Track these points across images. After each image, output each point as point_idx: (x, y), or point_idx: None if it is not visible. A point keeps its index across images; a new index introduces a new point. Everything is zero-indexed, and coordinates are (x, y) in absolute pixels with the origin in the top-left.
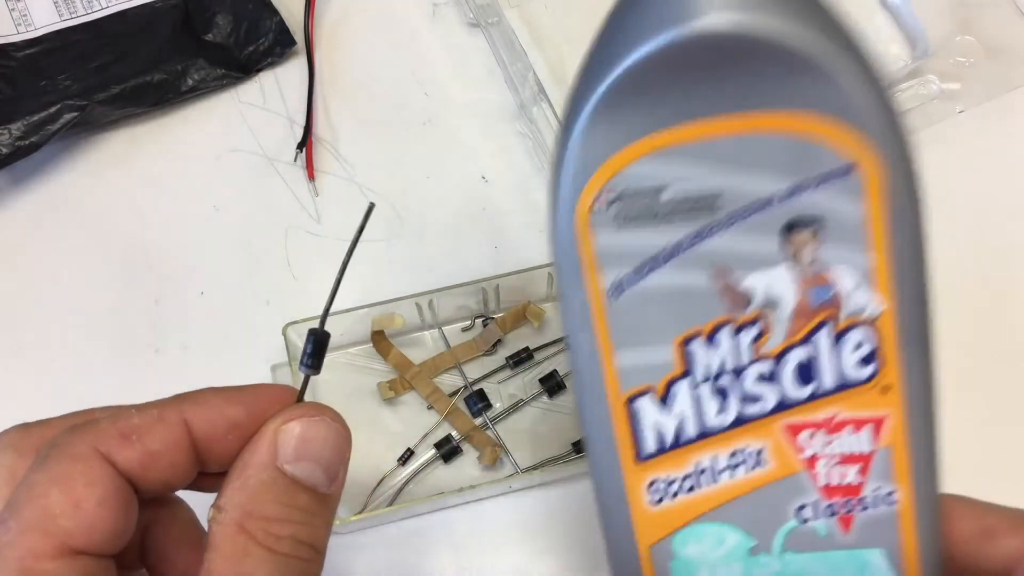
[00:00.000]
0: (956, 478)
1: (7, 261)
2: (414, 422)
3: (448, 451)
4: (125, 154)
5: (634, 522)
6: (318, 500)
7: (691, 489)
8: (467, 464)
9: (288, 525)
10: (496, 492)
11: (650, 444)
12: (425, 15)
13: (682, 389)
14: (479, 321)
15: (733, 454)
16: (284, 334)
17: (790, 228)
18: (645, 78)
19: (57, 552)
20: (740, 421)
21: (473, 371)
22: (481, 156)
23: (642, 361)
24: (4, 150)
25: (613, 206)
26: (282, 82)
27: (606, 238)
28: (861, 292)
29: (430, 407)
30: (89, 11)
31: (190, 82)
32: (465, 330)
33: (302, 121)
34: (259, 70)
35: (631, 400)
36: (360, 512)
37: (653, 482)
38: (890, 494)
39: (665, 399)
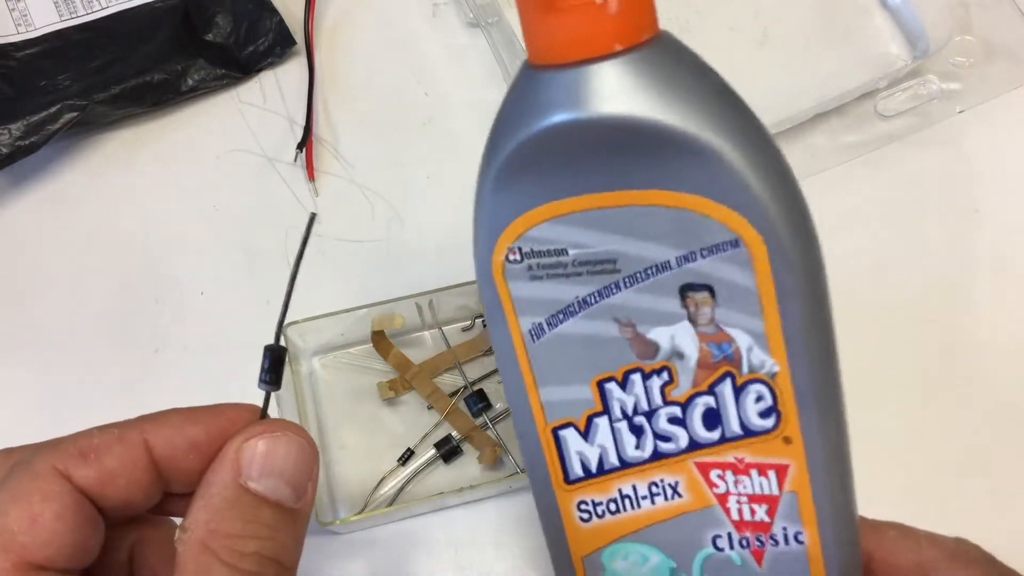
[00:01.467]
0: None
1: (7, 261)
2: (414, 422)
3: (448, 451)
4: (125, 154)
5: (568, 536)
6: (285, 516)
7: (615, 512)
8: (467, 464)
9: (253, 541)
10: (496, 492)
11: (576, 469)
12: (425, 15)
13: (602, 424)
14: (479, 321)
15: (652, 484)
16: (284, 334)
17: (686, 290)
18: (540, 153)
19: (15, 568)
20: (656, 456)
21: (473, 371)
22: (481, 156)
23: (564, 397)
24: (4, 150)
25: (523, 262)
26: (282, 82)
27: (519, 289)
28: (757, 352)
29: (430, 407)
30: (89, 11)
31: (190, 82)
32: (465, 330)
33: (302, 121)
34: (259, 70)
35: (556, 430)
36: (360, 512)
37: (581, 502)
38: (798, 535)
39: (587, 432)
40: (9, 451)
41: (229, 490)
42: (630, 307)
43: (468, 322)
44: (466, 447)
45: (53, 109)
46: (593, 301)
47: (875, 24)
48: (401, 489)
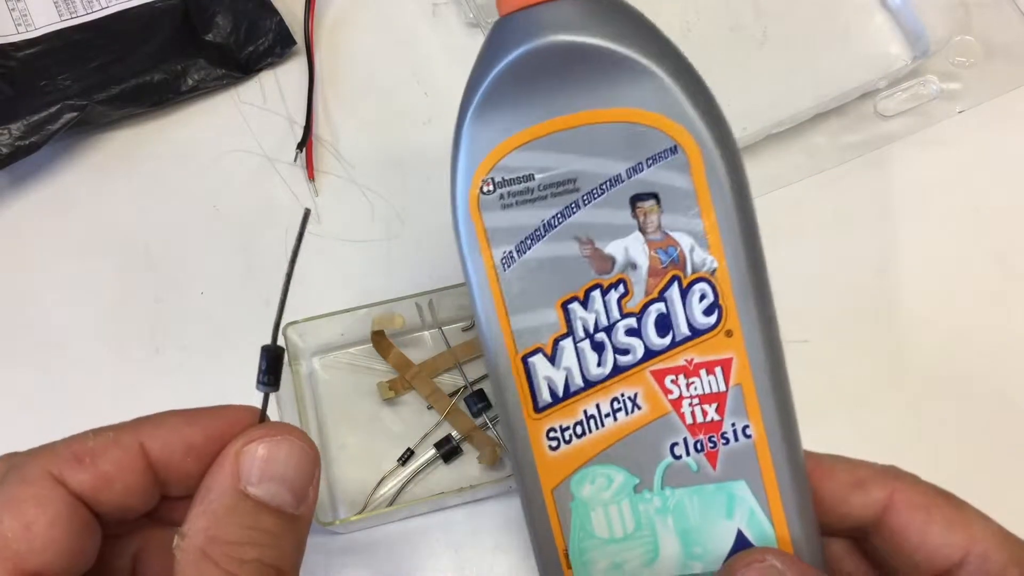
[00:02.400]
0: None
1: (7, 261)
2: (414, 422)
3: (448, 451)
4: (125, 154)
5: (538, 468)
6: (285, 522)
7: (582, 435)
8: (467, 464)
9: (253, 548)
10: (496, 492)
11: (545, 396)
12: (425, 15)
13: (567, 346)
14: None
15: (613, 400)
16: (284, 334)
17: (636, 200)
18: (509, 85)
19: (11, 575)
20: (616, 371)
21: (473, 371)
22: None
23: (532, 323)
24: (4, 150)
25: (495, 192)
26: (282, 82)
27: (492, 219)
28: (698, 251)
29: (430, 407)
30: (89, 11)
31: (190, 82)
32: (465, 330)
33: (302, 121)
34: (259, 70)
35: (526, 358)
36: (360, 512)
37: (551, 430)
38: (745, 428)
39: (553, 356)
40: (2, 457)
41: (228, 496)
42: (588, 224)
43: (468, 322)
44: (466, 447)
45: (53, 109)
46: (556, 223)
47: (875, 24)
48: (401, 489)
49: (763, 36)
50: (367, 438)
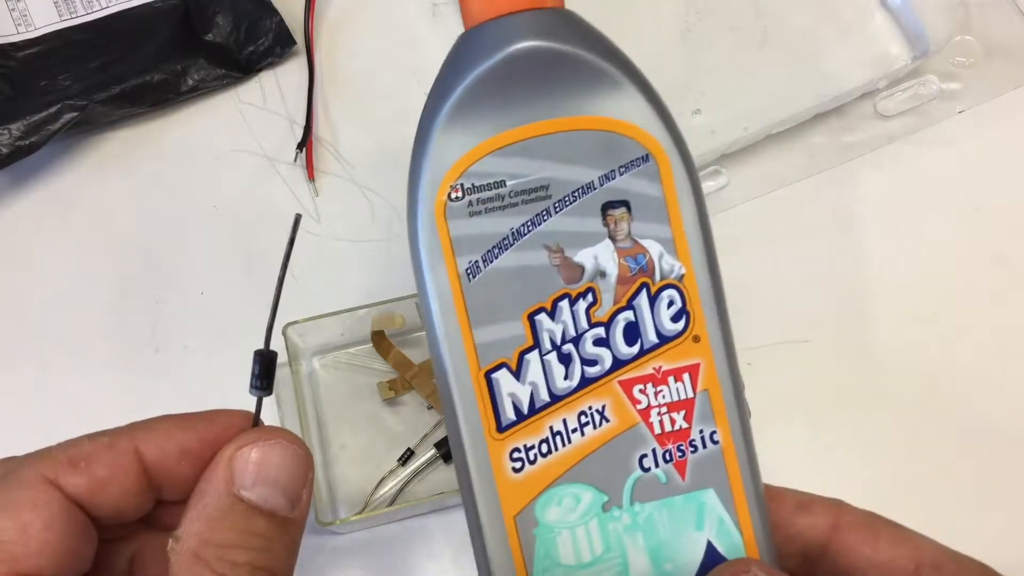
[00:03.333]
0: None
1: (7, 261)
2: (414, 422)
3: (448, 451)
4: (125, 154)
5: (499, 492)
6: (279, 525)
7: (547, 453)
8: None
9: (245, 552)
10: None
11: (509, 413)
12: (425, 15)
13: (532, 359)
14: None
15: (581, 414)
16: (284, 334)
17: (607, 208)
18: (480, 92)
19: None
20: (584, 383)
21: None
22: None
23: (496, 336)
24: (4, 150)
25: (464, 199)
26: (282, 82)
27: (459, 227)
28: (667, 258)
29: (430, 407)
30: (89, 11)
31: (190, 82)
32: None
33: (302, 121)
34: (259, 70)
35: (489, 373)
36: (360, 512)
37: (514, 450)
38: (713, 434)
39: (518, 370)
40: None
41: (222, 499)
42: (559, 232)
43: None
44: None
45: (53, 109)
46: (526, 231)
47: (875, 24)
48: (401, 489)
49: (763, 36)
50: (367, 438)
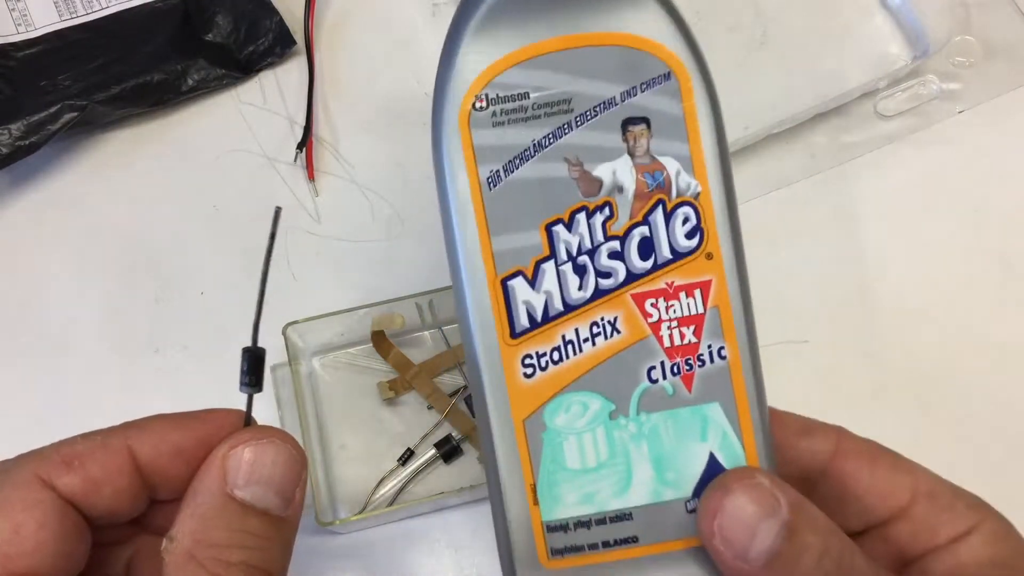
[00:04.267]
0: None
1: (7, 261)
2: (414, 422)
3: (448, 451)
4: (125, 154)
5: (510, 396)
6: (272, 524)
7: (558, 361)
8: (467, 464)
9: (239, 551)
10: None
11: (523, 320)
12: (425, 15)
13: (548, 269)
14: None
15: (593, 324)
16: (284, 334)
17: (627, 124)
18: (507, 5)
19: None
20: (597, 294)
21: None
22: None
23: (514, 245)
24: (4, 150)
25: (488, 109)
26: (282, 82)
27: (482, 136)
28: (683, 176)
29: (430, 407)
30: (89, 11)
31: (190, 82)
32: None
33: (302, 121)
34: (259, 70)
35: (505, 281)
36: (360, 512)
37: (526, 356)
38: (721, 349)
39: (534, 279)
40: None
41: (215, 498)
42: (579, 146)
43: None
44: (466, 447)
45: (53, 109)
46: (547, 143)
47: (875, 24)
48: (401, 489)
49: (763, 36)
50: (367, 438)
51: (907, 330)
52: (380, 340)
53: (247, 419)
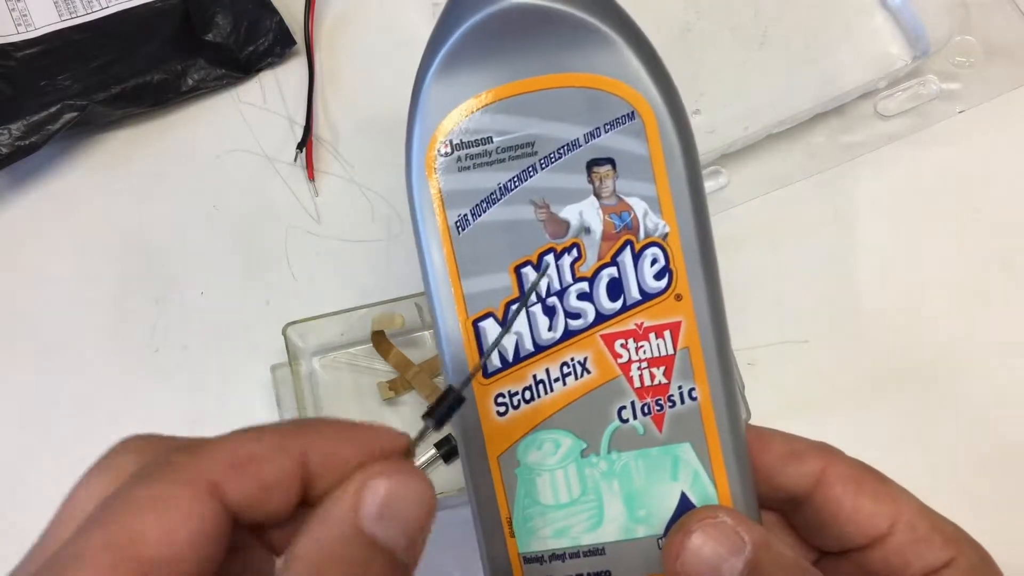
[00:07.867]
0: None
1: (7, 261)
2: (414, 422)
3: (448, 451)
4: (125, 154)
5: (485, 433)
6: (393, 569)
7: (530, 400)
8: None
9: None
10: None
11: (495, 361)
12: (425, 15)
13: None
14: None
15: (563, 365)
16: (284, 334)
17: (592, 165)
18: (471, 48)
19: None
20: (567, 335)
21: None
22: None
23: (484, 287)
24: (4, 150)
25: (453, 155)
26: (282, 82)
27: (448, 181)
28: (651, 216)
29: None
30: (89, 11)
31: (190, 82)
32: None
33: (302, 121)
34: (259, 70)
35: (476, 322)
36: None
37: (499, 395)
38: (691, 391)
39: (504, 320)
40: (146, 438)
41: (344, 527)
42: (545, 188)
43: None
44: None
45: (53, 109)
46: (513, 186)
47: (875, 24)
48: None
49: (763, 36)
50: None
51: (907, 330)
52: (380, 340)
53: (410, 451)
